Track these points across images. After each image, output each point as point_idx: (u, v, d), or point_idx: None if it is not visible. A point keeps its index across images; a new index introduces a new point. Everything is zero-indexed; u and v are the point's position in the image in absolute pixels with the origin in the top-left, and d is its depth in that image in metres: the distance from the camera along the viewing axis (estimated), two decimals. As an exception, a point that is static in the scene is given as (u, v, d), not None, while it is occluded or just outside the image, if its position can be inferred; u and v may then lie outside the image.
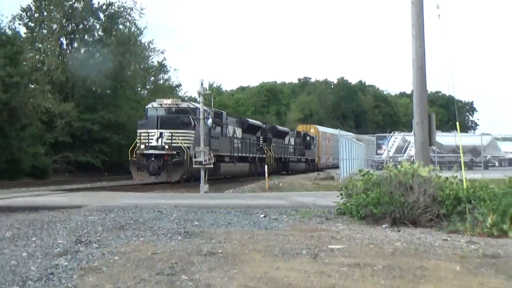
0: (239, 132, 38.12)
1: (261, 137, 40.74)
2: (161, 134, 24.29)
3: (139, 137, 25.99)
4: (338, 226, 10.18)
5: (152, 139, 24.96)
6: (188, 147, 24.62)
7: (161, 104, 28.48)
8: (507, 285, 5.78)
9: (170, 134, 24.43)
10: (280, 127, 51.12)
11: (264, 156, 39.93)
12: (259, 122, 45.34)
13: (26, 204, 13.83)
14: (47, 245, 7.81)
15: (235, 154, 32.52)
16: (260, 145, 39.87)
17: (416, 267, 6.53)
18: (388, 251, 7.67)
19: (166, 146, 24.26)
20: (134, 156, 24.95)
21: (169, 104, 28.61)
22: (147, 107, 30.37)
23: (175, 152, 24.02)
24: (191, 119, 26.82)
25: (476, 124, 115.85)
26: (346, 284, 5.59)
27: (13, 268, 6.12)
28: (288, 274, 5.98)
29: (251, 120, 41.54)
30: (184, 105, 29.23)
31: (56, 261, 6.57)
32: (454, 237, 9.04)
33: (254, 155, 37.24)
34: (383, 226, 10.08)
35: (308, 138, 57.17)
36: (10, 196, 17.32)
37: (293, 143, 51.13)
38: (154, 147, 24.73)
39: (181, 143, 24.12)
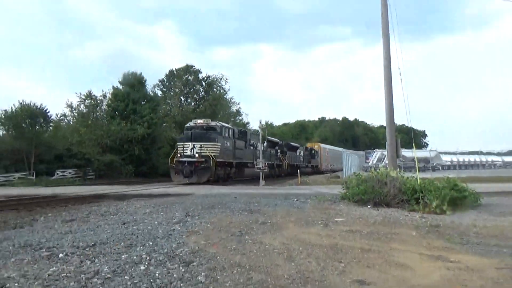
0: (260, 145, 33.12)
1: (278, 150, 36.77)
2: (193, 145, 22.49)
3: (176, 148, 23.71)
4: (341, 206, 10.15)
5: (187, 149, 22.72)
6: (215, 156, 22.31)
7: (195, 123, 25.78)
8: (444, 244, 5.73)
9: (200, 146, 22.34)
10: (292, 143, 46.04)
11: (281, 163, 36.18)
12: (276, 139, 41.12)
13: (160, 192, 14.24)
14: (169, 217, 8.01)
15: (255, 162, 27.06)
16: (278, 155, 35.82)
17: (388, 232, 6.50)
18: (371, 222, 7.64)
19: (197, 155, 22.12)
20: (173, 163, 22.92)
21: (201, 123, 25.71)
22: (185, 125, 26.98)
23: (203, 160, 21.90)
24: (217, 134, 23.92)
25: (427, 144, 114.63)
26: (344, 242, 5.64)
27: (149, 231, 6.39)
28: (308, 236, 6.07)
29: (270, 138, 37.16)
30: (212, 123, 25.80)
31: (173, 226, 6.79)
32: (412, 214, 8.90)
33: (273, 162, 33.23)
34: (368, 207, 10.00)
35: (313, 151, 52.39)
36: (151, 188, 17.77)
37: (302, 154, 46.59)
38: (188, 156, 22.44)
39: (209, 152, 22.10)
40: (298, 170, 32.81)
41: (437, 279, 4.00)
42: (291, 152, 40.90)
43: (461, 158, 63.69)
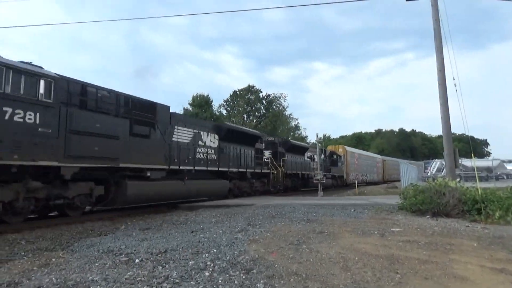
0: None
1: (269, 151, 23.91)
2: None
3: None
4: (398, 217, 9.65)
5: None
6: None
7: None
8: (508, 256, 5.22)
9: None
10: (295, 142, 31.01)
11: (269, 171, 21.91)
12: (271, 137, 27.16)
13: (224, 203, 14.44)
14: (232, 226, 8.10)
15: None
16: (264, 160, 21.98)
17: (447, 243, 6.06)
18: (429, 232, 7.17)
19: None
20: None
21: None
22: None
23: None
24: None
25: (489, 153, 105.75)
26: (400, 253, 5.34)
27: (214, 239, 6.49)
28: (364, 245, 5.82)
29: (250, 130, 24.63)
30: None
31: (236, 235, 6.84)
32: (473, 225, 8.23)
33: (252, 169, 19.79)
34: (427, 217, 9.40)
35: (334, 156, 35.99)
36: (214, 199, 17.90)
37: (316, 160, 30.09)
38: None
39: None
40: (282, 185, 23.94)
41: (500, 293, 3.64)
42: (294, 156, 27.31)
43: (527, 166, 58.03)
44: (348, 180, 38.82)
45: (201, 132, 15.35)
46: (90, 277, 4.19)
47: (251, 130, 21.55)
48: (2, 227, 8.26)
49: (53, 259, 5.29)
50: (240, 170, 18.32)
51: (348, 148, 43.48)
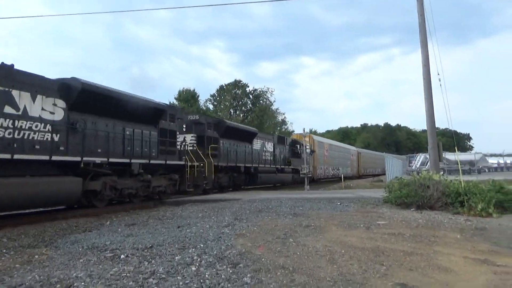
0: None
1: (195, 136, 17.79)
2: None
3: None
4: (383, 210, 9.76)
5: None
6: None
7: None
8: (490, 247, 5.32)
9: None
10: (236, 124, 23.45)
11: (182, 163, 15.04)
12: (195, 116, 19.89)
13: (212, 198, 14.39)
14: (219, 220, 8.07)
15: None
16: (183, 147, 15.61)
17: (431, 235, 6.16)
18: (414, 225, 7.27)
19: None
20: None
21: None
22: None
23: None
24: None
25: (472, 147, 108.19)
26: (386, 245, 5.40)
27: (200, 234, 6.45)
28: (351, 238, 5.87)
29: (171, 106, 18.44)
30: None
31: (223, 230, 6.81)
32: (457, 217, 8.37)
33: (162, 160, 13.53)
34: (411, 210, 9.54)
35: (297, 146, 29.23)
36: (204, 194, 17.86)
37: (270, 149, 24.70)
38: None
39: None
40: (211, 181, 17.35)
41: (483, 283, 3.71)
42: (234, 143, 20.48)
43: (508, 160, 59.36)
44: (316, 175, 32.79)
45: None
46: (74, 274, 4.12)
47: (149, 99, 13.32)
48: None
49: (36, 256, 5.19)
50: (117, 160, 11.38)
51: (316, 138, 37.01)
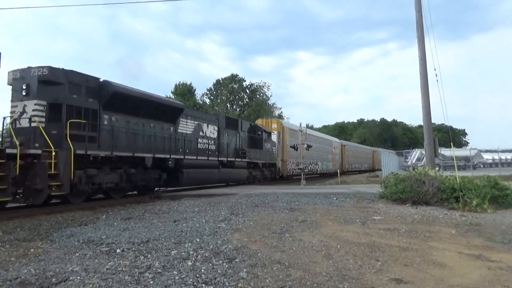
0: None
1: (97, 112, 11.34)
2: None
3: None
4: (379, 205, 9.81)
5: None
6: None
7: None
8: (485, 243, 5.36)
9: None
10: (138, 91, 13.08)
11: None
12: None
13: (207, 193, 14.35)
14: (215, 215, 8.07)
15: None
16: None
17: (427, 231, 6.20)
18: (409, 220, 7.32)
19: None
20: None
21: None
22: None
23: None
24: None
25: (467, 143, 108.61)
26: (381, 240, 5.43)
27: (196, 228, 6.46)
28: (346, 234, 5.90)
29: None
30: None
31: (219, 224, 6.83)
32: (452, 212, 8.43)
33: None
34: (407, 205, 9.59)
35: (259, 133, 22.56)
36: (198, 189, 17.87)
37: (212, 135, 17.85)
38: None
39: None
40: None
41: (477, 278, 3.73)
42: (149, 123, 13.87)
43: (503, 156, 59.62)
44: (285, 171, 26.52)
45: None
46: (70, 268, 4.11)
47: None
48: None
49: (32, 250, 5.17)
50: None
51: (287, 124, 29.52)
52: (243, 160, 20.33)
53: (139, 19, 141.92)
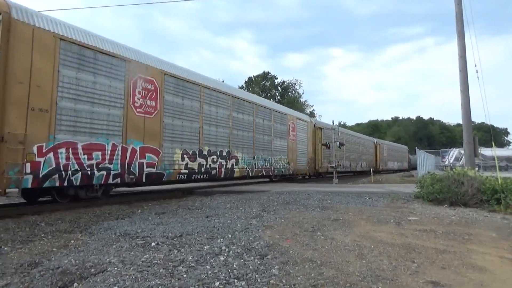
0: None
1: None
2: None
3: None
4: (414, 205, 9.53)
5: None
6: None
7: None
8: (529, 247, 5.10)
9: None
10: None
11: None
12: None
13: (238, 190, 14.45)
14: (247, 212, 8.11)
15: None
16: None
17: (465, 233, 5.95)
18: (446, 222, 7.06)
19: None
20: None
21: None
22: None
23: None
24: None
25: (510, 143, 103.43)
26: (417, 241, 5.27)
27: (228, 224, 6.51)
28: (380, 234, 5.77)
29: None
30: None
31: (251, 221, 6.86)
32: (492, 215, 8.05)
33: None
34: (444, 206, 9.26)
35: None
36: (230, 185, 17.97)
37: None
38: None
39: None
40: None
41: (521, 284, 3.55)
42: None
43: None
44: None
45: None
46: (107, 259, 4.26)
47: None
48: (23, 209, 8.49)
49: (72, 241, 5.40)
50: None
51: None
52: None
53: (172, 18, 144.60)
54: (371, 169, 30.62)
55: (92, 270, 3.89)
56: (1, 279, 3.79)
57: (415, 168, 53.58)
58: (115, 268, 3.92)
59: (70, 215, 7.96)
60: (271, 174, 18.76)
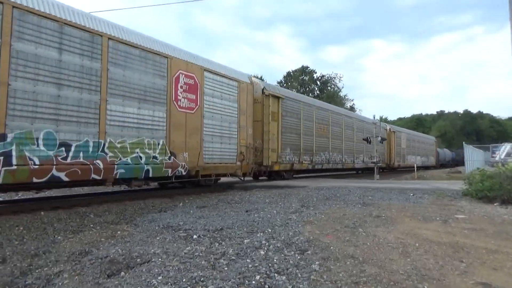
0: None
1: None
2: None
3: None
4: (462, 203, 9.09)
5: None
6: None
7: None
8: None
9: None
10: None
11: None
12: None
13: (277, 185, 14.46)
14: (286, 207, 8.09)
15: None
16: None
17: (519, 233, 5.62)
18: (498, 221, 6.68)
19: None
20: None
21: None
22: None
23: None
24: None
25: None
26: (465, 241, 5.03)
27: (268, 219, 6.52)
28: (425, 232, 5.55)
29: None
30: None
31: (290, 216, 6.84)
32: (550, 214, 7.55)
33: None
34: (495, 204, 8.76)
35: None
36: (270, 180, 17.94)
37: None
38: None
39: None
40: None
41: None
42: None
43: None
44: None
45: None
46: (152, 250, 4.41)
47: None
48: (74, 202, 8.97)
49: (118, 232, 5.64)
50: None
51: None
52: None
53: (211, 15, 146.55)
54: (415, 165, 29.26)
55: (138, 260, 4.05)
56: (55, 266, 4.03)
57: (444, 164, 50.85)
58: (159, 259, 4.05)
59: (117, 207, 8.31)
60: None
